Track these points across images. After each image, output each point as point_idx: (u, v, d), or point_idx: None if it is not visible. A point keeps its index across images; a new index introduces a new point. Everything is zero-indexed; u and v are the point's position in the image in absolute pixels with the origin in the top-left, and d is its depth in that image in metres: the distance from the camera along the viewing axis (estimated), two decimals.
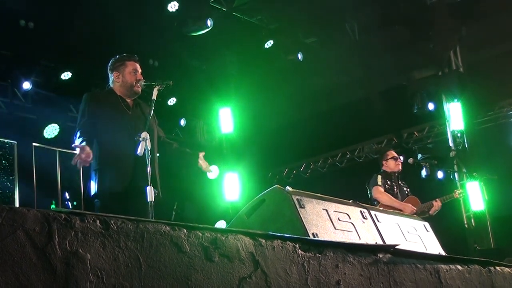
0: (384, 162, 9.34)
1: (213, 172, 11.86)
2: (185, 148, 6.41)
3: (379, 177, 9.15)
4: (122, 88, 6.11)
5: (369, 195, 9.16)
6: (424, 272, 4.04)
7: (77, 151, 5.49)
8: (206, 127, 14.74)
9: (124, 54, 6.18)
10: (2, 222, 2.31)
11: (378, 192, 9.01)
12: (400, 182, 9.33)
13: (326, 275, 3.41)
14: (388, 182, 9.16)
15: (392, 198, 9.02)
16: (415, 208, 9.05)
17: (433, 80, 13.70)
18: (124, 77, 6.08)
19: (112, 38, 10.38)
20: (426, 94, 13.68)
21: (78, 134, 5.74)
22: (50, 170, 11.37)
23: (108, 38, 10.43)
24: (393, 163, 9.27)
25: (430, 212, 9.38)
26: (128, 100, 6.12)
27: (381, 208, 8.71)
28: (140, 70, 6.12)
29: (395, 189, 9.13)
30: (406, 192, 9.27)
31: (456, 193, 9.77)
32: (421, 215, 9.31)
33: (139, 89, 6.07)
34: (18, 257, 2.31)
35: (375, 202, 8.98)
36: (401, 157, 9.43)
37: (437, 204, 9.44)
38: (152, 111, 5.79)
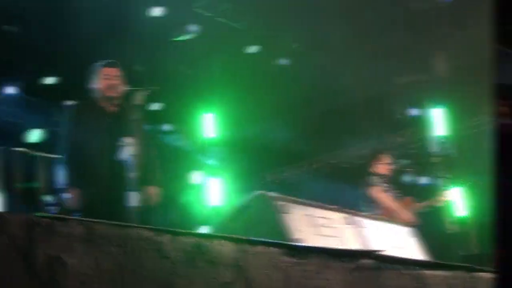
0: (375, 164, 9.17)
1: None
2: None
3: (375, 178, 8.99)
4: (99, 95, 6.13)
5: (362, 197, 8.94)
6: (408, 277, 4.04)
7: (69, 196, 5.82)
8: (190, 132, 14.68)
9: (101, 61, 6.20)
10: None
11: (379, 191, 8.82)
12: (391, 185, 9.24)
13: (310, 281, 3.40)
14: (384, 184, 9.06)
15: (391, 199, 8.93)
16: (410, 214, 9.00)
17: (417, 85, 13.73)
18: (99, 84, 6.10)
19: (97, 43, 10.35)
20: (410, 100, 13.73)
21: (65, 157, 6.00)
22: (33, 175, 11.29)
23: (93, 43, 10.39)
24: (384, 168, 9.16)
25: (437, 204, 9.62)
26: (109, 107, 6.13)
27: (379, 212, 8.75)
28: (114, 74, 6.11)
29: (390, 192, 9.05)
30: (398, 195, 9.20)
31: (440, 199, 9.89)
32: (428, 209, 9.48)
33: (113, 94, 6.07)
34: (1, 262, 2.29)
35: (372, 204, 8.81)
36: (393, 165, 9.37)
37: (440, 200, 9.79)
38: (137, 116, 5.79)
